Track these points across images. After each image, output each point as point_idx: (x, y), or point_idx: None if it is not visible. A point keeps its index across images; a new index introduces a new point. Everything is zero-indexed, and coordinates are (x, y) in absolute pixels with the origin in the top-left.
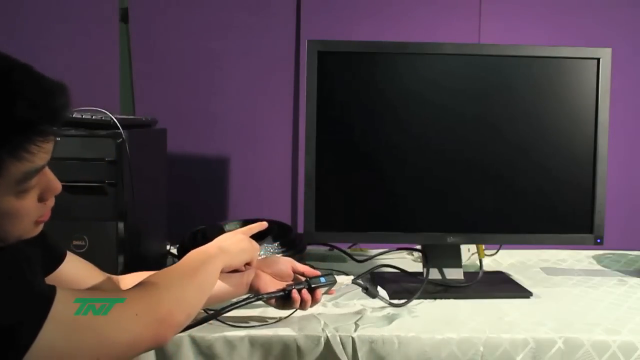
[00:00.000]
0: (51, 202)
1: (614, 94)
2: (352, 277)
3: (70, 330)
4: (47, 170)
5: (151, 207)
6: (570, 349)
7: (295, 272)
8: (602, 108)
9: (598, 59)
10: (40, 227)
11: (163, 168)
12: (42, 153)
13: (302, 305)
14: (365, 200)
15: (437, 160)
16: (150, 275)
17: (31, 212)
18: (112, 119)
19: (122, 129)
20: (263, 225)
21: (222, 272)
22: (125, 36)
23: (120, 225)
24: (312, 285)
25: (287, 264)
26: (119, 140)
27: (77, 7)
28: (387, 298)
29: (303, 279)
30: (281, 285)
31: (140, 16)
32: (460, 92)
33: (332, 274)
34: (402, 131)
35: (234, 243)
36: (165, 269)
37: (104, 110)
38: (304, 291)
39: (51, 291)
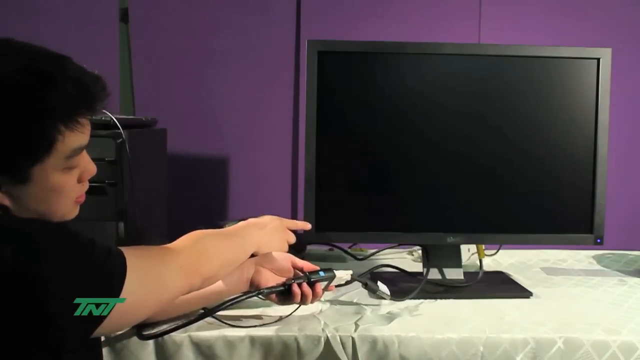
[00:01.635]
0: (86, 184)
1: (614, 94)
2: (351, 272)
3: (143, 277)
4: (85, 153)
5: (151, 207)
6: (570, 349)
7: (294, 267)
8: (602, 108)
9: (598, 59)
10: (77, 210)
11: (163, 168)
12: (87, 127)
13: (303, 300)
14: (365, 200)
15: (437, 160)
16: (196, 234)
17: (73, 190)
18: (112, 119)
19: (122, 129)
20: (306, 225)
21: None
22: (125, 36)
23: (120, 225)
24: (312, 279)
25: (287, 259)
26: (119, 140)
27: (77, 7)
28: (388, 293)
29: (302, 274)
30: (281, 280)
31: (140, 16)
32: (460, 92)
33: (331, 269)
34: (402, 131)
35: (274, 234)
36: (212, 231)
37: (104, 110)
38: (304, 285)
39: (119, 248)
